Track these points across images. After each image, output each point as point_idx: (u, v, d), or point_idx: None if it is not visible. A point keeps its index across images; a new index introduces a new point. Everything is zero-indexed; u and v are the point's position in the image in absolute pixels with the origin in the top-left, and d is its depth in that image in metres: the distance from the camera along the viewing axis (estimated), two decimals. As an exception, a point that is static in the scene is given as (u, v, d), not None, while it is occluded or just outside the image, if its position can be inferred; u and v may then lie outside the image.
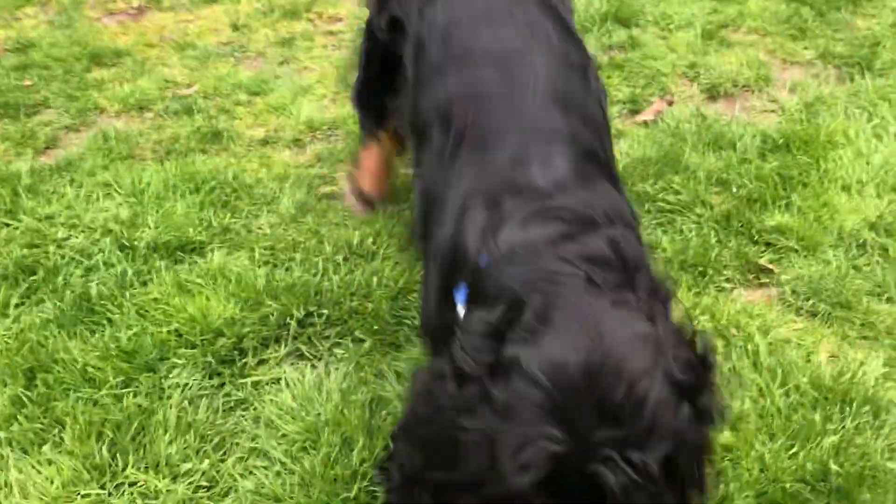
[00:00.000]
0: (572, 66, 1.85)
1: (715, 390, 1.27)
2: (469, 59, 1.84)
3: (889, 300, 2.39)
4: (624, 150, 3.15)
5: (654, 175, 2.99)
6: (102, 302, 2.46)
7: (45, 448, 2.04)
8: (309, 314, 2.43)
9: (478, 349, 1.22)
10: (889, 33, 3.98)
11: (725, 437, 1.95)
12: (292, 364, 2.32)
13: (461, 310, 1.52)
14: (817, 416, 2.00)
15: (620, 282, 1.33)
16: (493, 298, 1.36)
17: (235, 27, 4.31)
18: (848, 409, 2.02)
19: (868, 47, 3.85)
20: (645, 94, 3.62)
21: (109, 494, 1.95)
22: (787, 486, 1.83)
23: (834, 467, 1.86)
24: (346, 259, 2.66)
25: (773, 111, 3.47)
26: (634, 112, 3.51)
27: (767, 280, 2.55)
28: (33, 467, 1.99)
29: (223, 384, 2.25)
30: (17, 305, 2.50)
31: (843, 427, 1.98)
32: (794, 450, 1.92)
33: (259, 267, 2.60)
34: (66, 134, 3.47)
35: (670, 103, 3.52)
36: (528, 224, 1.47)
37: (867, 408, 2.02)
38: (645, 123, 3.41)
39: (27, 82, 3.78)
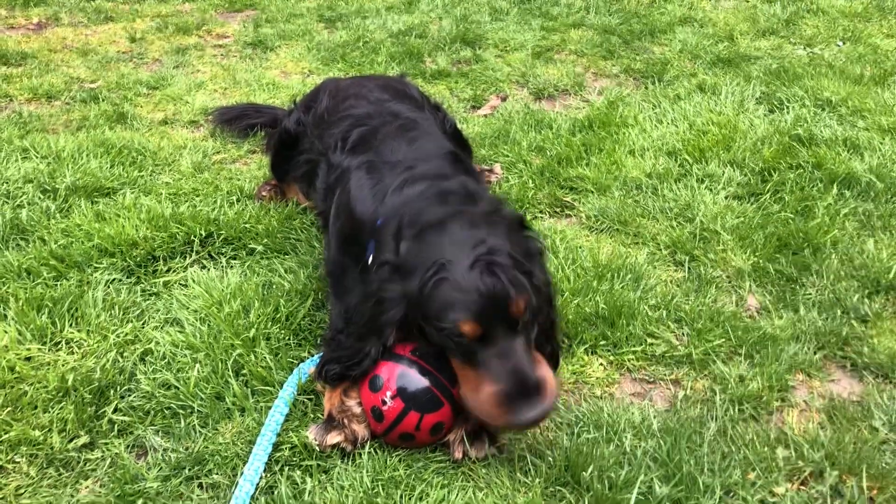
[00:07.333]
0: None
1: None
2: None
3: (654, 219, 3.21)
4: (467, 131, 3.92)
5: (489, 145, 3.77)
6: (32, 225, 2.94)
7: (-7, 319, 2.49)
8: (209, 235, 2.98)
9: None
10: (677, 57, 5.03)
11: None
12: (196, 269, 2.86)
13: (370, 257, 2.23)
14: (595, 282, 2.75)
15: (465, 201, 2.13)
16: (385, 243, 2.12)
17: (133, 39, 4.87)
18: (617, 277, 2.78)
19: (660, 65, 4.86)
20: (485, 94, 4.44)
21: (49, 349, 2.42)
22: (570, 318, 2.56)
23: (602, 306, 2.61)
24: (238, 200, 3.25)
25: (584, 108, 4.36)
26: (476, 107, 4.32)
27: (570, 212, 3.33)
28: (-16, 331, 2.44)
29: (139, 281, 2.77)
30: (-48, 231, 2.93)
31: (612, 287, 2.73)
32: (577, 300, 2.65)
33: (165, 203, 3.15)
34: (-20, 116, 3.91)
35: (504, 99, 4.36)
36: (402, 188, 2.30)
37: (630, 276, 2.79)
38: (485, 117, 4.22)
39: (-62, 75, 4.19)
